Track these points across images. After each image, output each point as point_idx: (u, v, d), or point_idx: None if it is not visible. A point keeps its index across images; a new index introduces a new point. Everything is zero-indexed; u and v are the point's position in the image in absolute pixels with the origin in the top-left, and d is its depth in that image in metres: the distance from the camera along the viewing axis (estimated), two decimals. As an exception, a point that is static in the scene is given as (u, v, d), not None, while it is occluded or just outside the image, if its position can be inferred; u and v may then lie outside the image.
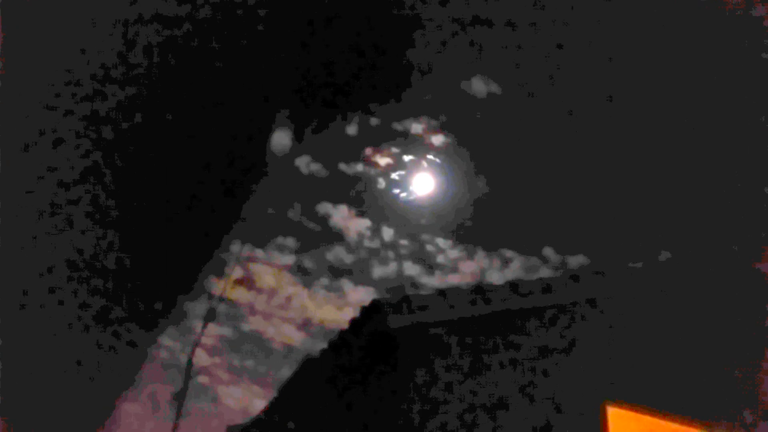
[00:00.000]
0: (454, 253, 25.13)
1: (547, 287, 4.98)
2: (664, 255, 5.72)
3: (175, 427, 11.01)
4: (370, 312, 4.44)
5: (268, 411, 7.57)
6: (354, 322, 4.67)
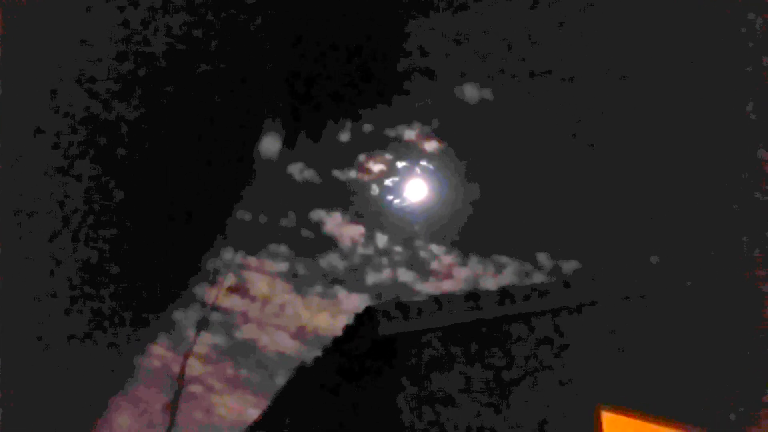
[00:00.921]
0: (447, 259, 25.16)
1: (540, 293, 4.98)
2: (656, 259, 5.74)
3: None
4: (363, 319, 4.42)
5: (262, 420, 7.51)
6: (348, 330, 4.65)
